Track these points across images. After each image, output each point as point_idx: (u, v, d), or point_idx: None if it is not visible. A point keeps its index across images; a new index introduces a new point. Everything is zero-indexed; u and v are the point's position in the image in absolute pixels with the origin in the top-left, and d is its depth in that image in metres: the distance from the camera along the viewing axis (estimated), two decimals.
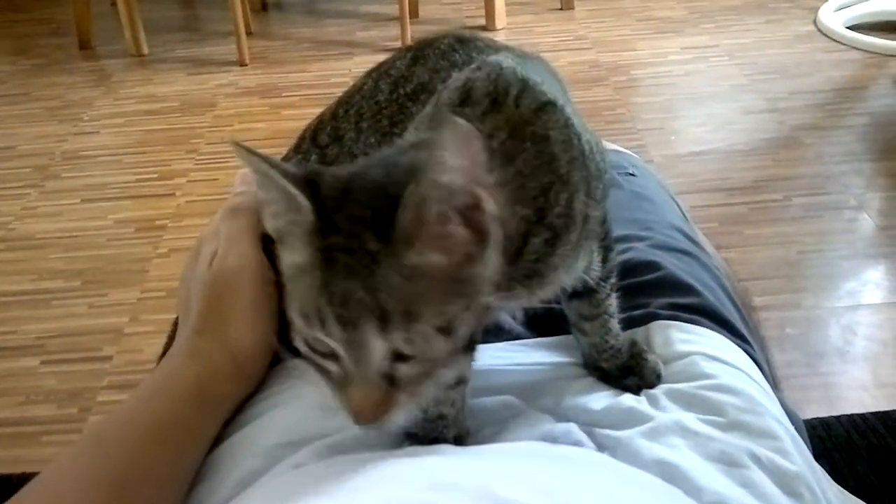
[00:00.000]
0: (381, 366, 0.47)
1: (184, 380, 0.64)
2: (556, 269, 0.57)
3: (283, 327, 0.65)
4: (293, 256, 0.49)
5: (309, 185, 0.48)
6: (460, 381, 0.61)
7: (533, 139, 0.55)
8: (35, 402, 1.58)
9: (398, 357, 0.47)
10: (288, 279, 0.50)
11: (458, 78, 0.59)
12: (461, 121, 0.44)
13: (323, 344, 0.47)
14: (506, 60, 0.59)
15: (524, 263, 0.55)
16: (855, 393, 1.50)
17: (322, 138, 0.76)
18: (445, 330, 0.47)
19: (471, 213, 0.47)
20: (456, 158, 0.44)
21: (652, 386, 0.66)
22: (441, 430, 0.62)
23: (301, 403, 0.64)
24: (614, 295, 0.67)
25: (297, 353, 0.50)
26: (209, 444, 0.64)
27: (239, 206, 0.71)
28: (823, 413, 1.42)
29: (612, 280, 0.66)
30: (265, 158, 0.48)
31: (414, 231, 0.46)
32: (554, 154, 0.56)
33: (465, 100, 0.57)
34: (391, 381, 0.48)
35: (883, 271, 1.81)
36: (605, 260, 0.65)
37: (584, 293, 0.65)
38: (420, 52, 0.71)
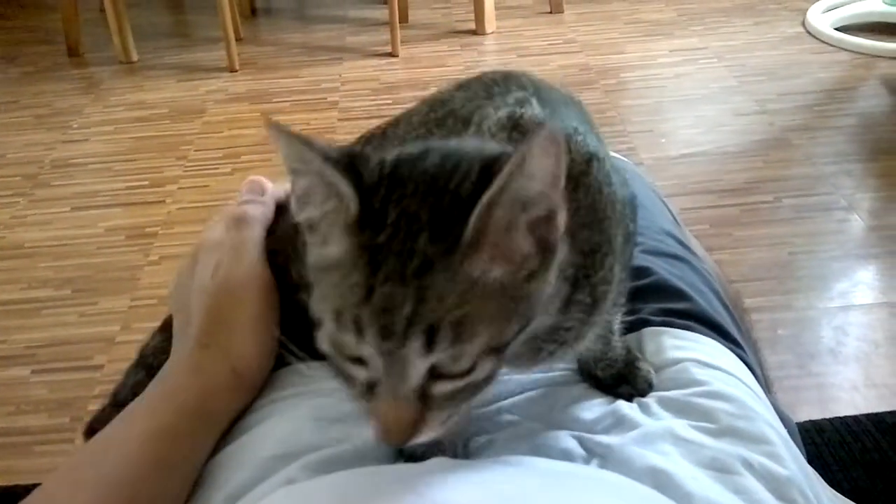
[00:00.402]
0: (418, 382, 0.43)
1: (186, 394, 0.63)
2: (581, 340, 0.56)
3: (290, 327, 0.65)
4: (328, 248, 0.45)
5: (350, 169, 0.44)
6: None
7: (586, 191, 0.53)
8: (26, 412, 1.57)
9: (437, 374, 0.43)
10: (318, 271, 0.46)
11: (501, 111, 0.57)
12: (555, 125, 0.41)
13: (354, 349, 0.44)
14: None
15: (563, 322, 0.52)
16: (847, 394, 1.50)
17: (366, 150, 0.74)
18: (495, 351, 0.44)
19: (542, 226, 0.44)
20: (541, 164, 0.41)
21: (644, 394, 0.66)
22: (436, 445, 0.61)
23: (296, 414, 0.64)
24: (619, 313, 0.67)
25: (312, 357, 0.49)
26: (206, 457, 0.63)
27: (245, 216, 0.70)
28: (816, 414, 1.42)
29: (621, 303, 0.66)
30: (303, 139, 0.44)
31: (481, 238, 0.42)
32: (605, 212, 0.54)
33: (515, 127, 0.55)
34: (424, 398, 0.44)
35: (874, 272, 1.81)
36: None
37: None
38: (467, 80, 0.67)
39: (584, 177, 0.53)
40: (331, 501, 0.49)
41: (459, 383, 0.44)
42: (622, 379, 0.67)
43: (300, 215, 0.47)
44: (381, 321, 0.41)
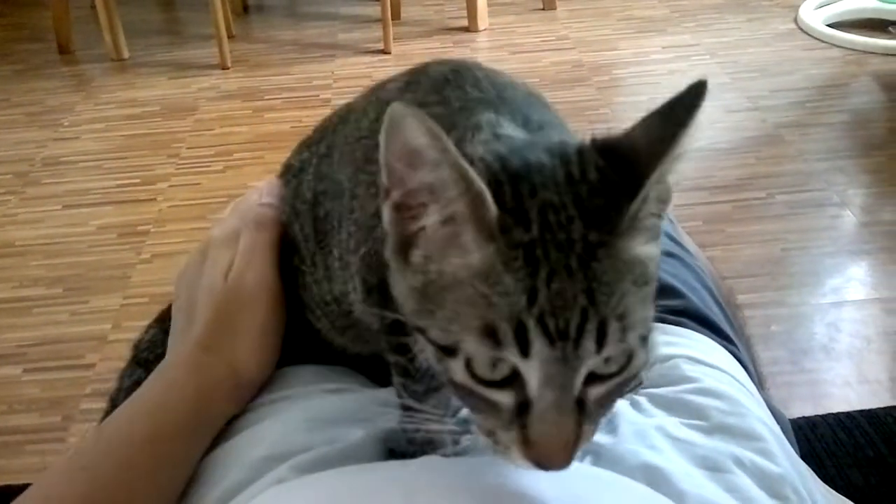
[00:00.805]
0: (580, 390, 0.39)
1: (184, 394, 0.62)
2: None
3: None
4: (454, 259, 0.40)
5: None
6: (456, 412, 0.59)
7: None
8: (17, 412, 1.56)
9: (593, 377, 0.40)
10: (440, 290, 0.41)
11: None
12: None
13: (507, 367, 0.39)
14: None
15: None
16: (840, 390, 1.51)
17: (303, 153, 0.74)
18: (646, 340, 0.41)
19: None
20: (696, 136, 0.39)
21: (633, 391, 0.65)
22: (427, 451, 0.60)
23: (289, 416, 0.64)
24: None
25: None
26: (201, 456, 0.63)
27: (263, 219, 0.69)
28: (809, 410, 1.42)
29: None
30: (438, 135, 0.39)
31: (637, 218, 0.40)
32: None
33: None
34: (581, 407, 0.40)
35: (866, 267, 1.82)
36: None
37: None
38: (414, 78, 0.62)
39: None
40: (319, 499, 0.49)
41: (613, 382, 0.41)
42: None
43: (409, 225, 0.42)
44: (552, 323, 0.38)
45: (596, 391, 0.40)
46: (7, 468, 1.44)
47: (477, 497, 0.47)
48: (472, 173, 0.38)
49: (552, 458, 0.39)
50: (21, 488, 0.57)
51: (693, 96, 0.41)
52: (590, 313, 0.38)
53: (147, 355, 0.77)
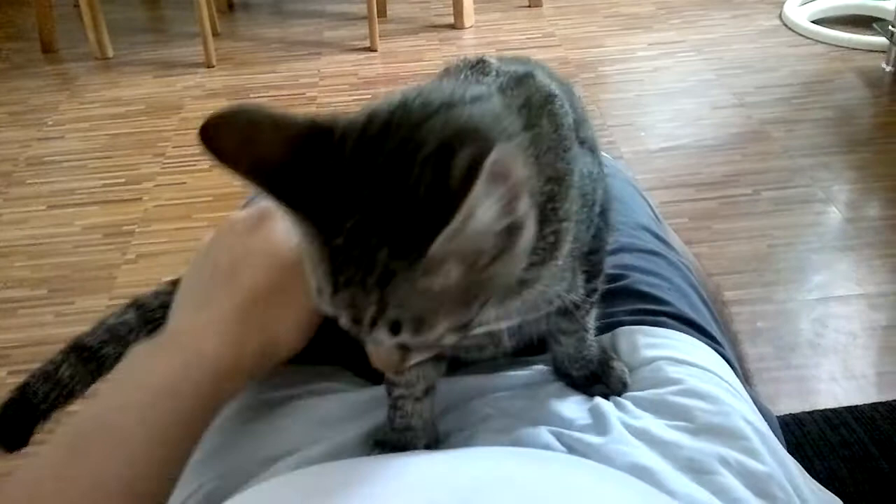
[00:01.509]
0: (391, 345, 0.45)
1: (206, 367, 0.57)
2: (540, 280, 0.52)
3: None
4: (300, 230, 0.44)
5: (312, 140, 0.41)
6: (428, 392, 0.61)
7: (551, 119, 0.50)
8: None
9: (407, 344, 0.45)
10: (303, 246, 0.44)
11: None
12: (503, 149, 0.37)
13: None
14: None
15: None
16: (826, 385, 1.52)
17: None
18: (459, 328, 0.44)
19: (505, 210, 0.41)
20: (495, 197, 0.38)
21: (619, 393, 0.65)
22: (410, 440, 0.61)
23: (294, 417, 0.64)
24: (594, 311, 0.66)
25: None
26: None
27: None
28: (796, 406, 1.43)
29: (594, 299, 0.64)
30: (244, 168, 0.42)
31: (441, 260, 0.39)
32: (568, 142, 0.51)
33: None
34: (402, 346, 0.45)
35: (851, 263, 1.82)
36: (589, 280, 0.62)
37: (564, 310, 0.62)
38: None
39: (548, 105, 0.51)
40: (297, 495, 0.49)
41: (431, 347, 0.46)
42: (596, 378, 0.66)
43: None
44: (349, 313, 0.42)
45: (415, 344, 0.44)
46: None
47: (465, 488, 0.47)
48: (285, 209, 0.43)
49: (386, 369, 0.48)
50: None
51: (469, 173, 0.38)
52: (379, 317, 0.42)
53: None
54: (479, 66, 0.53)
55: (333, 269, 0.42)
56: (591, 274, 0.62)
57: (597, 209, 0.58)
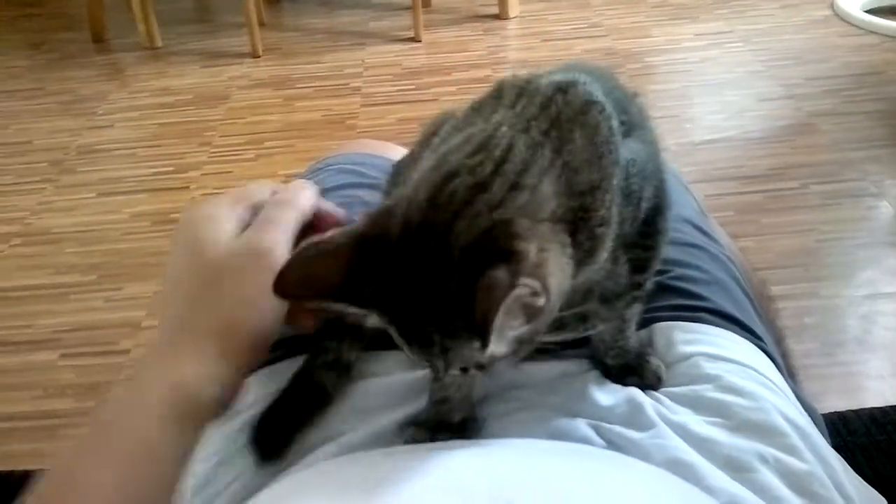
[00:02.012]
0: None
1: (156, 393, 0.54)
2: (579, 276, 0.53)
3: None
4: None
5: (362, 253, 0.48)
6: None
7: (583, 132, 0.52)
8: (53, 396, 1.59)
9: None
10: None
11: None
12: (523, 286, 0.43)
13: None
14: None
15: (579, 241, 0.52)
16: (874, 383, 1.49)
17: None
18: (511, 360, 0.50)
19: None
20: (516, 315, 0.45)
21: (654, 387, 0.65)
22: (446, 413, 0.61)
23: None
24: (638, 305, 0.65)
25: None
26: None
27: (288, 200, 0.63)
28: (842, 403, 1.41)
29: (638, 293, 0.64)
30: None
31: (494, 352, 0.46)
32: (602, 149, 0.53)
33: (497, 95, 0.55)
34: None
35: None
36: (634, 271, 0.62)
37: (603, 297, 0.62)
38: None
39: (582, 115, 0.53)
40: (345, 483, 0.49)
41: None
42: (630, 370, 0.66)
43: None
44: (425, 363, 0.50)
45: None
46: (41, 451, 1.46)
47: (502, 486, 0.47)
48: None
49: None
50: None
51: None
52: (449, 370, 0.49)
53: None
54: (524, 88, 0.55)
55: (407, 343, 0.49)
56: (638, 266, 0.62)
57: (644, 205, 0.59)
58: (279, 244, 0.59)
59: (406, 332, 0.48)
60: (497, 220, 0.46)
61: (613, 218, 0.53)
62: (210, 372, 0.55)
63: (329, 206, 0.66)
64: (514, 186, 0.47)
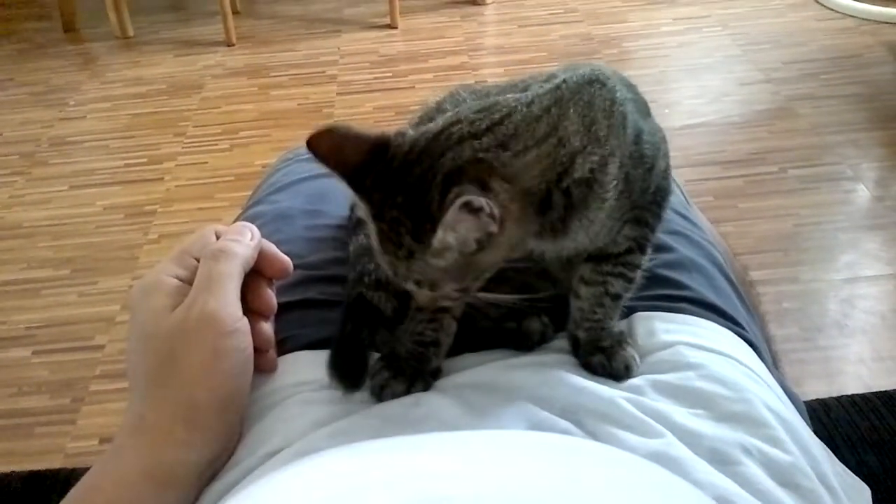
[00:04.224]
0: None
1: (127, 460, 0.56)
2: (579, 229, 0.61)
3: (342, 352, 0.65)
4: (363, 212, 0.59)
5: (378, 151, 0.57)
6: (446, 323, 0.66)
7: (577, 105, 0.59)
8: (27, 394, 1.56)
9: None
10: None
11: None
12: (468, 199, 0.52)
13: None
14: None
15: (549, 217, 0.59)
16: (854, 367, 1.49)
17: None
18: (462, 289, 0.59)
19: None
20: (466, 223, 0.54)
21: (618, 377, 0.64)
22: (420, 357, 0.65)
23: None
24: (622, 282, 0.66)
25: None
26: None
27: (227, 250, 0.62)
28: (822, 387, 1.41)
29: (630, 261, 0.66)
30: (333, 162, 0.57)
31: (440, 249, 0.55)
32: (595, 118, 0.59)
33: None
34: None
35: (880, 243, 1.79)
36: (634, 239, 0.65)
37: (595, 256, 0.65)
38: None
39: (580, 92, 0.60)
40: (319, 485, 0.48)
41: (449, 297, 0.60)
42: (600, 350, 0.65)
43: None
44: (389, 269, 0.59)
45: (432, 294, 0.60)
46: (17, 450, 1.44)
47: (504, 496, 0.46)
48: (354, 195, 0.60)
49: (424, 305, 0.64)
50: (32, 472, 0.55)
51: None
52: (407, 275, 0.58)
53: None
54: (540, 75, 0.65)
55: (380, 240, 0.58)
56: (637, 245, 0.66)
57: (655, 179, 0.65)
58: (225, 303, 0.59)
59: (382, 228, 0.57)
60: (481, 158, 0.55)
61: (608, 180, 0.60)
62: (181, 450, 0.57)
63: (272, 249, 0.66)
64: (502, 145, 0.56)
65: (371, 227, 0.59)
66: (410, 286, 0.59)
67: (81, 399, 1.53)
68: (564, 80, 0.61)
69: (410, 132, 0.59)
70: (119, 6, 2.90)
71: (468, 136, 0.56)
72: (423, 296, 0.60)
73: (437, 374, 0.66)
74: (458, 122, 0.57)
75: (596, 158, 0.59)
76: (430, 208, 0.55)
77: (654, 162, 0.64)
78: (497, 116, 0.58)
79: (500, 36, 2.81)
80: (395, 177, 0.57)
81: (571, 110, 0.59)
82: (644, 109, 0.69)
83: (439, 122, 0.58)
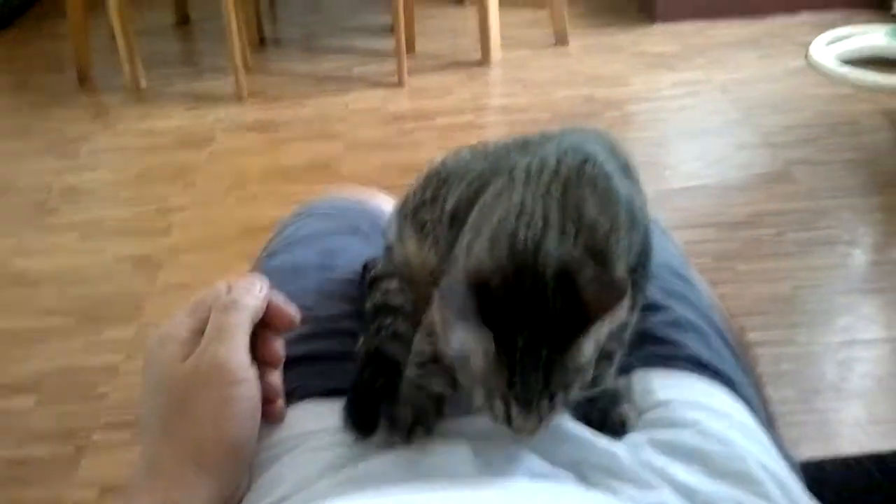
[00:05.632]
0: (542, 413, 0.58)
1: (142, 501, 0.59)
2: None
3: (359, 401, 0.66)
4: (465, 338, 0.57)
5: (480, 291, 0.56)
6: None
7: (592, 187, 0.63)
8: (30, 442, 1.57)
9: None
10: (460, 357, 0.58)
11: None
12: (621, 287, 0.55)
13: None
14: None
15: None
16: (850, 430, 1.51)
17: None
18: (585, 385, 0.59)
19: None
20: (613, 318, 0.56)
21: (615, 431, 0.66)
22: (422, 404, 0.65)
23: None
24: (615, 342, 0.66)
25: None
26: None
27: (236, 303, 0.65)
28: (819, 450, 1.42)
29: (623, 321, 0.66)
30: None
31: (581, 346, 0.56)
32: (605, 200, 0.63)
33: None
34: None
35: (877, 307, 1.81)
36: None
37: None
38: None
39: (584, 176, 0.63)
40: None
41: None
42: (597, 406, 0.66)
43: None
44: (519, 396, 0.56)
45: (560, 405, 0.58)
46: (21, 499, 1.45)
47: None
48: (480, 333, 0.57)
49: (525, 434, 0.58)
50: None
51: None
52: (543, 393, 0.56)
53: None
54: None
55: (510, 369, 0.55)
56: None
57: (644, 234, 0.68)
58: (234, 353, 0.62)
59: (514, 359, 0.55)
60: (586, 248, 0.58)
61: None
62: (192, 491, 0.59)
63: (280, 301, 0.68)
64: (563, 231, 0.59)
65: (481, 367, 0.57)
66: (543, 406, 0.57)
67: (84, 448, 1.55)
68: (559, 163, 0.64)
69: (476, 265, 0.59)
70: (133, 59, 2.97)
71: (540, 236, 0.58)
72: (531, 422, 0.58)
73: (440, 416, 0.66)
74: (515, 232, 0.59)
75: (626, 242, 0.63)
76: (556, 317, 0.55)
77: (646, 224, 0.67)
78: (539, 215, 0.60)
79: (505, 96, 2.87)
80: (509, 307, 0.56)
81: (587, 192, 0.62)
82: (626, 170, 0.72)
83: (495, 239, 0.59)
